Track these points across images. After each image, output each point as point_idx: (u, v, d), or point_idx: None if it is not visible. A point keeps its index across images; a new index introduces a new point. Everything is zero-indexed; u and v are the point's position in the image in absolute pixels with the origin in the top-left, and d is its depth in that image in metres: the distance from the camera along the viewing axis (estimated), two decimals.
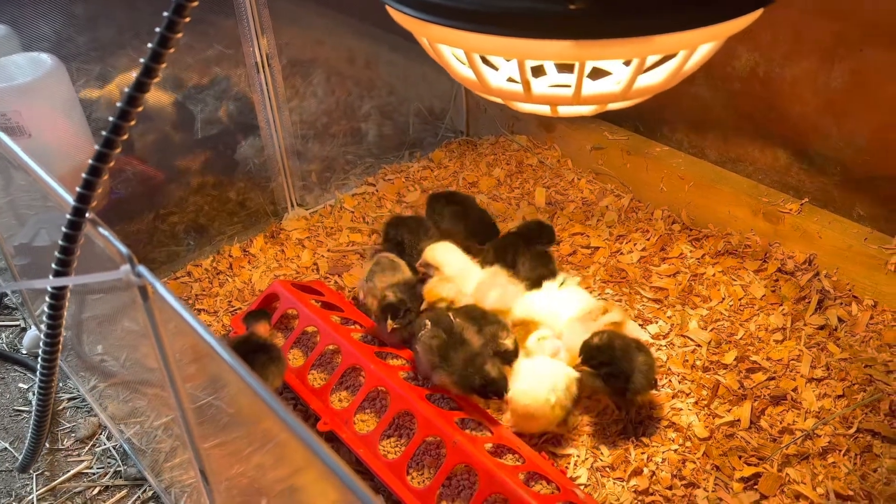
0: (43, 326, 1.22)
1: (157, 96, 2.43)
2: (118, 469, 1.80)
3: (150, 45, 0.95)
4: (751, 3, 1.01)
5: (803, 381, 1.83)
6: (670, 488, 1.64)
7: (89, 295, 1.81)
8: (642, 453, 1.71)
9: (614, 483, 1.66)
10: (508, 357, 1.76)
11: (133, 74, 0.98)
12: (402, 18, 1.13)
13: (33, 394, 1.97)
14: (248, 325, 1.89)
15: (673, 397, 1.83)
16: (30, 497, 1.73)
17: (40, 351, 1.26)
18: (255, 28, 2.24)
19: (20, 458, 1.77)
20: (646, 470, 1.68)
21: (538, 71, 1.37)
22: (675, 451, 1.71)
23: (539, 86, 1.21)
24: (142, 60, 0.97)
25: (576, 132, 2.68)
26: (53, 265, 1.11)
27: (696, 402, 1.82)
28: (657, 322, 2.04)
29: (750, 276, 2.13)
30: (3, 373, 2.08)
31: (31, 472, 1.79)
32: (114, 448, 1.85)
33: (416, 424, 1.64)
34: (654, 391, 1.82)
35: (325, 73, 2.81)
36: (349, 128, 2.83)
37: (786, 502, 1.60)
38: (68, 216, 1.07)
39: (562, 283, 1.93)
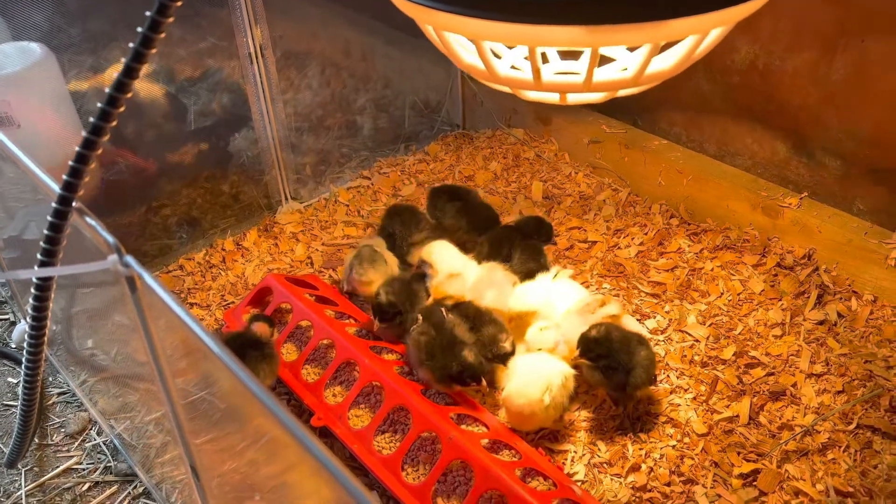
0: (28, 318, 1.19)
1: (149, 88, 2.39)
2: (108, 465, 1.77)
3: (141, 28, 0.92)
4: None
5: (802, 376, 1.81)
6: (668, 484, 1.62)
7: (80, 289, 1.79)
8: (640, 449, 1.69)
9: (612, 479, 1.64)
10: (505, 359, 1.74)
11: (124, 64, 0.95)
12: (406, 6, 1.10)
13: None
14: (250, 322, 1.86)
15: (671, 393, 1.81)
16: (18, 493, 1.71)
17: (25, 343, 1.23)
18: (248, 18, 2.21)
19: (7, 452, 1.74)
20: (644, 466, 1.66)
21: (542, 60, 1.34)
22: (674, 447, 1.69)
23: (549, 73, 1.18)
24: (131, 45, 0.94)
25: (573, 125, 2.65)
26: (39, 255, 1.08)
27: (694, 398, 1.80)
28: (655, 317, 2.02)
29: (749, 271, 2.11)
30: None
31: (19, 467, 1.76)
32: (104, 443, 1.82)
33: (412, 420, 1.62)
34: (652, 387, 1.80)
35: (320, 65, 2.78)
36: (344, 121, 2.80)
37: (785, 499, 1.58)
38: (54, 204, 1.04)
39: (555, 276, 1.91)
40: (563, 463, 1.68)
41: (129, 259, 0.98)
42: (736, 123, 2.31)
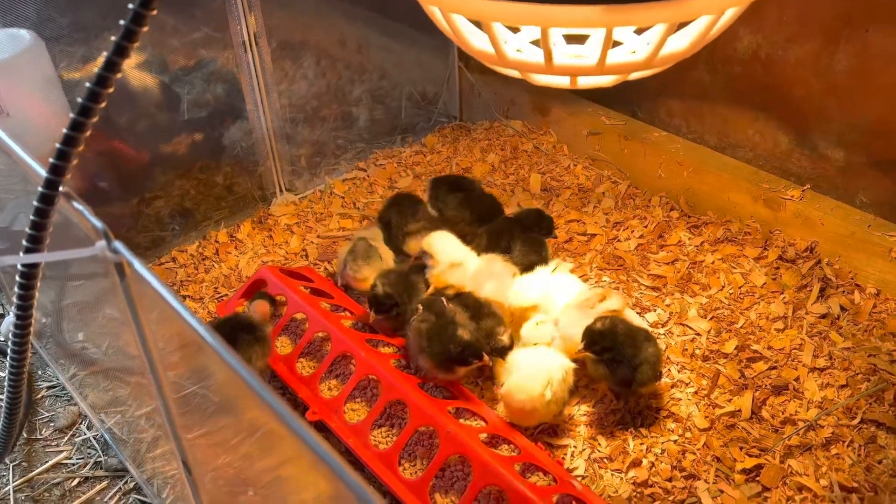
0: (13, 307, 1.16)
1: (142, 78, 2.35)
2: (98, 460, 1.73)
3: (131, 4, 0.88)
4: None
5: (805, 370, 1.79)
6: (670, 480, 1.59)
7: (70, 281, 1.75)
8: (641, 444, 1.66)
9: (612, 474, 1.61)
10: (503, 352, 1.71)
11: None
12: None
13: None
14: (251, 301, 1.83)
15: (672, 387, 1.79)
16: (6, 488, 1.67)
17: (10, 332, 1.19)
18: (242, 6, 2.17)
19: None
20: (645, 461, 1.63)
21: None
22: (675, 441, 1.66)
23: (560, 56, 1.15)
24: (121, 22, 0.90)
25: (572, 117, 2.62)
26: (24, 241, 1.04)
27: (695, 392, 1.77)
28: (655, 310, 1.99)
29: (750, 264, 2.09)
30: None
31: (6, 462, 1.72)
32: (94, 438, 1.78)
33: (409, 414, 1.59)
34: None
35: (316, 56, 2.74)
36: (340, 112, 2.76)
37: (788, 494, 1.55)
38: (40, 188, 1.00)
39: (554, 269, 1.88)
40: (563, 458, 1.65)
41: (118, 245, 0.94)
42: (737, 114, 2.28)
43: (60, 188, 1.02)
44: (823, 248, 2.07)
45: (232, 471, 1.29)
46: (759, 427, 1.68)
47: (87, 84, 0.95)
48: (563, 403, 1.64)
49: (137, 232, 2.33)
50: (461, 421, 1.64)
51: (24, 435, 1.79)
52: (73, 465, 1.73)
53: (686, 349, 1.87)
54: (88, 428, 1.81)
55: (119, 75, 0.94)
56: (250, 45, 2.23)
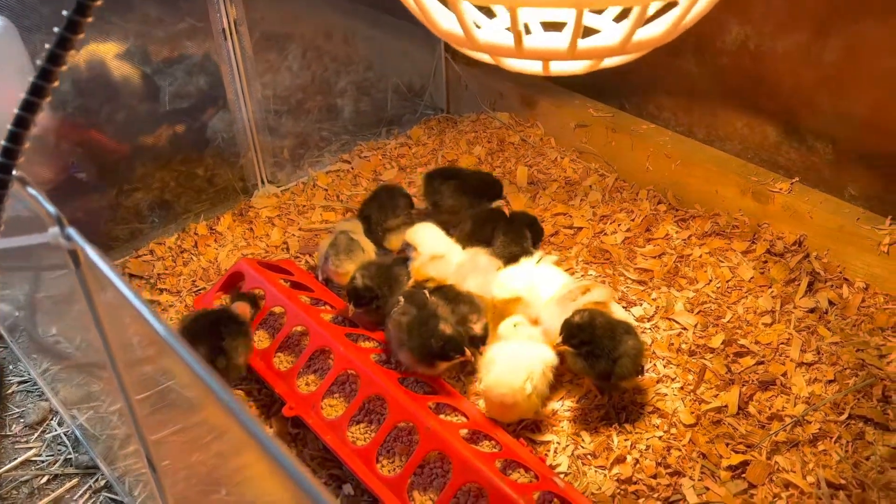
0: None
1: (123, 69, 2.30)
2: (69, 457, 1.68)
3: None
4: None
5: (793, 365, 1.75)
6: (655, 477, 1.56)
7: (45, 273, 1.70)
8: (625, 440, 1.63)
9: (596, 471, 1.58)
10: (476, 343, 1.68)
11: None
12: None
13: None
14: (232, 301, 1.80)
15: (658, 382, 1.75)
16: None
17: None
18: None
19: None
20: (629, 457, 1.59)
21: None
22: (660, 437, 1.63)
23: (531, 40, 1.11)
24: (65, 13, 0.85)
25: (559, 109, 2.58)
26: None
27: (681, 388, 1.74)
28: (642, 304, 1.95)
29: (738, 258, 2.05)
30: None
31: None
32: (65, 434, 1.74)
33: (388, 409, 1.55)
34: (639, 376, 1.73)
35: (301, 47, 2.69)
36: (325, 104, 2.71)
37: (775, 491, 1.52)
38: None
39: (538, 261, 1.84)
40: (546, 454, 1.61)
41: (72, 231, 0.90)
42: (726, 107, 2.25)
43: (14, 172, 0.97)
44: (812, 241, 2.04)
45: (205, 469, 1.25)
46: (745, 423, 1.65)
47: (39, 61, 0.90)
48: (543, 397, 1.60)
49: (116, 224, 2.28)
50: (441, 417, 1.61)
51: None
52: (43, 461, 1.68)
53: (672, 344, 1.84)
54: (59, 424, 1.76)
55: (73, 51, 0.90)
56: (230, 33, 2.18)
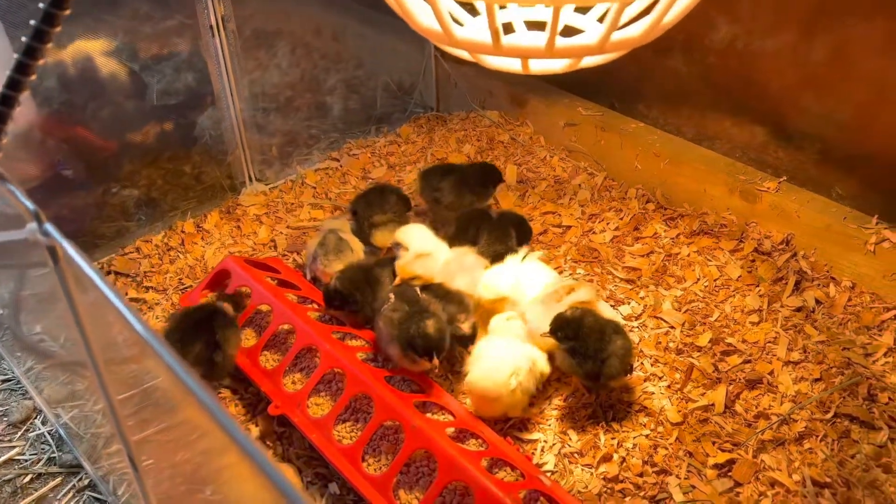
0: None
1: (111, 66, 2.28)
2: (53, 455, 1.67)
3: None
4: None
5: (780, 364, 1.76)
6: (641, 475, 1.56)
7: (29, 270, 1.68)
8: (612, 439, 1.63)
9: (583, 470, 1.58)
10: (464, 342, 1.67)
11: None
12: None
13: None
14: (219, 298, 1.79)
15: (645, 380, 1.75)
16: None
17: None
18: None
19: None
20: (616, 456, 1.59)
21: (507, 31, 1.26)
22: (647, 436, 1.63)
23: (509, 37, 1.10)
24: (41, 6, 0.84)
25: (549, 108, 2.58)
26: None
27: (668, 386, 1.74)
28: (630, 303, 1.95)
29: (725, 257, 2.06)
30: None
31: None
32: (49, 433, 1.72)
33: (374, 408, 1.54)
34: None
35: (291, 44, 2.68)
36: (314, 101, 2.70)
37: (761, 490, 1.52)
38: None
39: (524, 258, 1.84)
40: (533, 453, 1.61)
41: (49, 227, 0.89)
42: (714, 106, 2.25)
43: None
44: (799, 240, 2.05)
45: (189, 468, 1.24)
46: (732, 421, 1.65)
47: (16, 55, 0.89)
48: (529, 395, 1.60)
49: (102, 221, 2.27)
50: (428, 415, 1.60)
51: None
52: (26, 460, 1.66)
53: (660, 342, 1.84)
54: (43, 423, 1.75)
55: (49, 44, 0.89)
56: (218, 30, 2.17)
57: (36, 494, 1.59)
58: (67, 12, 0.83)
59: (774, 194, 2.09)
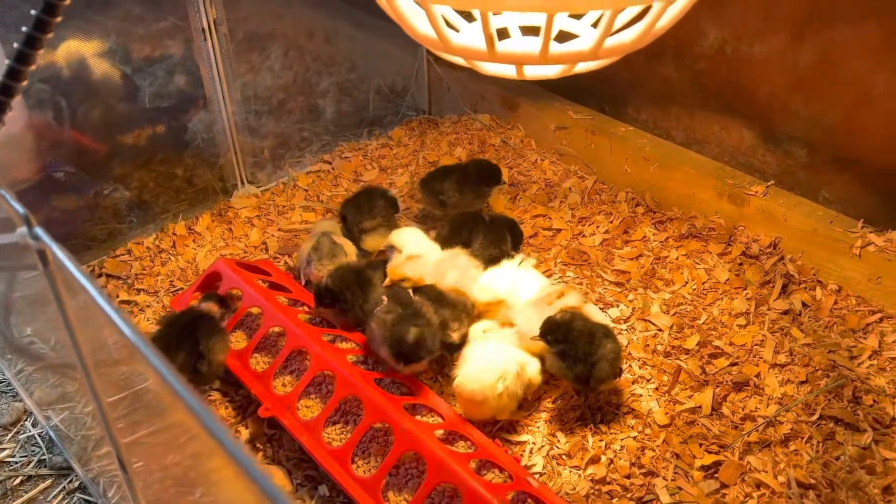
0: None
1: (103, 68, 2.29)
2: (43, 458, 1.67)
3: None
4: None
5: (766, 366, 1.78)
6: (628, 477, 1.57)
7: (19, 273, 1.69)
8: (600, 440, 1.64)
9: (570, 471, 1.59)
10: (452, 349, 1.69)
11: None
12: None
13: None
14: (200, 302, 1.80)
15: (633, 383, 1.77)
16: None
17: None
18: None
19: None
20: (603, 458, 1.61)
21: (502, 36, 1.28)
22: (635, 438, 1.65)
23: (503, 44, 1.12)
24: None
25: (540, 112, 2.59)
26: None
27: (656, 388, 1.75)
28: (619, 306, 1.97)
29: (714, 260, 2.08)
30: None
31: None
32: (39, 435, 1.73)
33: (364, 410, 1.55)
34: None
35: (283, 47, 2.69)
36: (306, 104, 2.71)
37: (746, 491, 1.54)
38: None
39: (520, 263, 1.85)
40: (522, 454, 1.62)
41: (39, 231, 0.90)
42: (704, 110, 2.27)
43: None
44: (787, 244, 2.07)
45: (179, 470, 1.25)
46: (718, 423, 1.67)
47: (7, 61, 0.90)
48: (516, 399, 1.61)
49: (94, 224, 2.27)
50: (417, 417, 1.61)
51: None
52: (16, 462, 1.67)
53: (648, 345, 1.85)
54: (34, 425, 1.75)
55: (42, 49, 0.90)
56: (210, 33, 2.18)
57: (26, 497, 1.59)
58: (59, 19, 0.84)
59: (762, 198, 2.11)
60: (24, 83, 0.89)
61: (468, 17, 1.28)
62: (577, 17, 1.31)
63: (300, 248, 2.03)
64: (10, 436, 1.73)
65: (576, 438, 1.65)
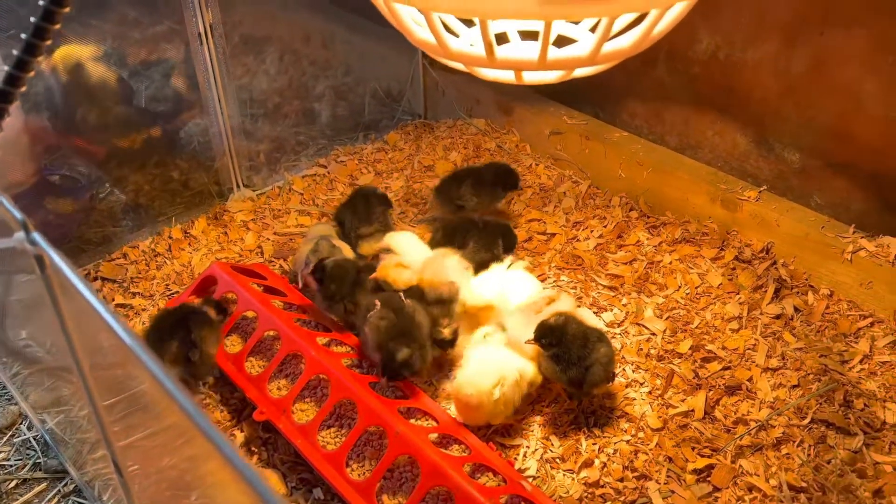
0: None
1: (99, 71, 2.29)
2: (38, 461, 1.68)
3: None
4: None
5: (759, 370, 1.79)
6: (622, 480, 1.58)
7: (15, 276, 1.69)
8: (594, 444, 1.65)
9: (564, 475, 1.60)
10: (444, 346, 1.69)
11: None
12: None
13: None
14: (203, 304, 1.81)
15: (626, 387, 1.78)
16: None
17: None
18: None
19: None
20: (597, 461, 1.62)
21: (501, 41, 1.29)
22: (628, 441, 1.66)
23: (502, 50, 1.13)
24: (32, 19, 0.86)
25: (535, 116, 2.61)
26: None
27: (649, 392, 1.76)
28: (612, 310, 1.98)
29: (707, 264, 2.09)
30: None
31: None
32: (34, 439, 1.73)
33: (358, 414, 1.56)
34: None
35: (279, 51, 2.70)
36: (302, 108, 2.72)
37: (739, 494, 1.55)
38: None
39: (509, 266, 1.86)
40: (515, 458, 1.63)
41: (37, 236, 0.90)
42: (697, 115, 2.29)
43: None
44: (779, 248, 2.08)
45: (175, 473, 1.25)
46: (711, 427, 1.68)
47: (6, 67, 0.91)
48: (513, 406, 1.62)
49: (89, 227, 2.27)
50: (412, 421, 1.62)
51: None
52: (11, 466, 1.67)
53: (641, 349, 1.87)
54: (29, 428, 1.76)
55: (40, 57, 0.90)
56: (206, 38, 2.18)
57: (21, 500, 1.59)
58: (58, 26, 0.85)
59: (755, 203, 2.12)
60: (23, 89, 0.90)
61: (467, 21, 1.29)
62: (575, 21, 1.32)
63: (297, 252, 2.03)
64: (5, 439, 1.73)
65: (569, 442, 1.66)
